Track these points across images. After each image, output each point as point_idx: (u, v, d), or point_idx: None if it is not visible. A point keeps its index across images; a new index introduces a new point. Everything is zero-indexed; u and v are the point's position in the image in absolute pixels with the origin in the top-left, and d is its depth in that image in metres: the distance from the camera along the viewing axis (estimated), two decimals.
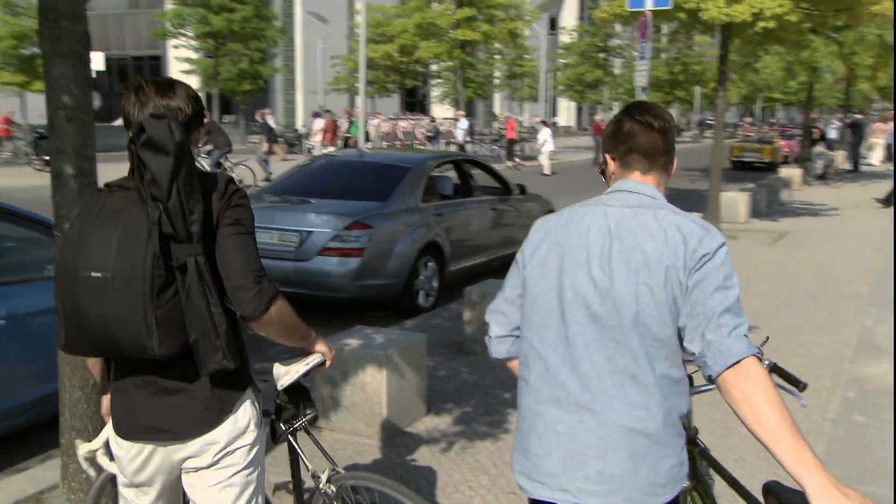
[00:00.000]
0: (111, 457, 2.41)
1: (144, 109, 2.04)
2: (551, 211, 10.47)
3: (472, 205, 9.15)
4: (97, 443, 2.53)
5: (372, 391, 4.74)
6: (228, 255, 2.03)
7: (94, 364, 2.34)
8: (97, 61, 25.17)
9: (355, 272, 7.36)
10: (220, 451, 2.17)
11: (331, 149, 23.41)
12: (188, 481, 2.23)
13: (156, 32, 32.13)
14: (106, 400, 2.42)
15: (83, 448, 2.55)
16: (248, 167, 19.05)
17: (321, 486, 2.63)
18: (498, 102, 62.55)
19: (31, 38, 30.24)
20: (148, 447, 2.16)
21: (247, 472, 2.24)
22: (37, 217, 4.92)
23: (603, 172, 2.18)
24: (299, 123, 41.61)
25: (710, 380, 1.81)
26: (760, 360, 1.80)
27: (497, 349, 2.19)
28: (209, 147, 18.48)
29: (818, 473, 1.63)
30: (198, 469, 2.19)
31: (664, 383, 1.88)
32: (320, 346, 2.41)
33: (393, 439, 4.70)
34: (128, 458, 2.19)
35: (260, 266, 2.06)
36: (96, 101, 25.01)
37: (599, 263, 1.92)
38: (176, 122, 1.96)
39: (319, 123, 25.07)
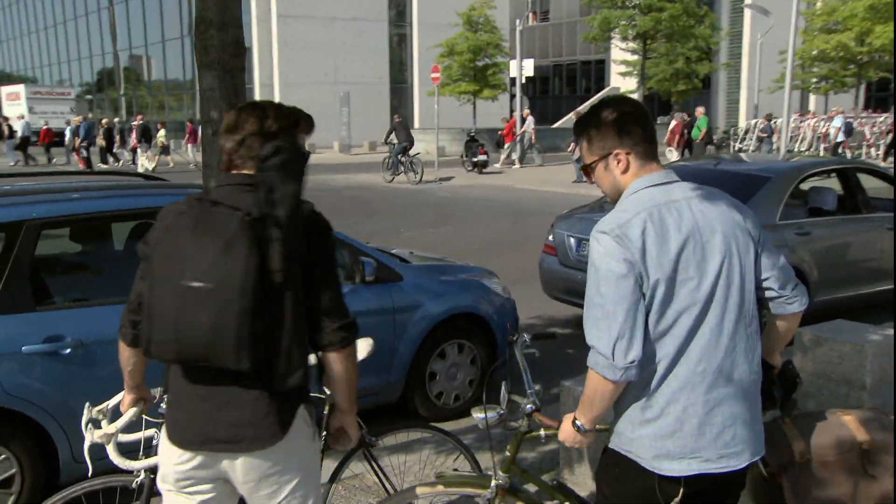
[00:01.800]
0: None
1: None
2: None
3: (857, 223, 7.43)
4: (114, 427, 2.59)
5: None
6: (323, 283, 2.19)
7: (134, 363, 2.51)
8: (527, 68, 26.63)
9: None
10: (277, 464, 2.22)
11: (674, 153, 21.68)
12: (245, 493, 2.29)
13: (587, 37, 32.93)
14: (129, 397, 2.63)
15: (106, 429, 2.59)
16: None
17: None
18: None
19: (485, 50, 33.35)
20: (201, 457, 2.22)
21: (302, 485, 2.30)
22: None
23: (587, 173, 2.26)
24: (741, 124, 39.24)
25: (783, 313, 2.28)
26: None
27: (630, 374, 2.08)
28: (394, 140, 22.19)
29: None
30: (255, 481, 2.24)
31: (756, 342, 2.21)
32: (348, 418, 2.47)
33: None
34: (179, 465, 2.24)
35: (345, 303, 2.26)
36: (525, 106, 26.55)
37: (706, 255, 2.11)
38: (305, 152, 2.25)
39: (672, 125, 23.19)
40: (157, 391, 2.77)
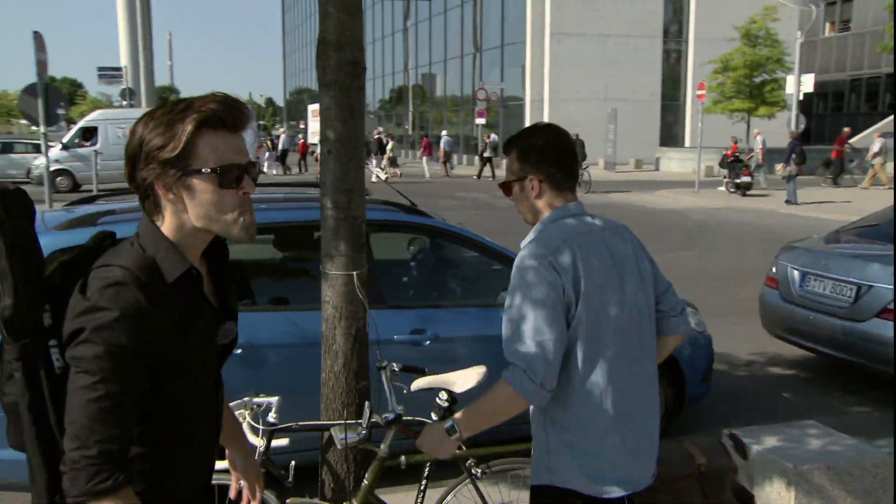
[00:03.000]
0: None
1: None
2: None
3: None
4: None
5: None
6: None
7: None
8: (807, 83, 24.35)
9: None
10: None
11: None
12: None
13: (882, 47, 29.35)
14: None
15: None
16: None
17: None
18: None
19: (763, 65, 31.14)
20: None
21: None
22: (492, 245, 5.01)
23: (505, 190, 2.34)
24: None
25: (671, 333, 2.41)
26: None
27: (545, 398, 2.13)
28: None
29: None
30: None
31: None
32: None
33: None
34: None
35: (93, 435, 1.46)
36: (801, 124, 24.31)
37: (622, 285, 2.21)
38: None
39: None
40: (270, 400, 2.94)
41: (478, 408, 2.21)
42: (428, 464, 3.07)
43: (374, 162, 30.31)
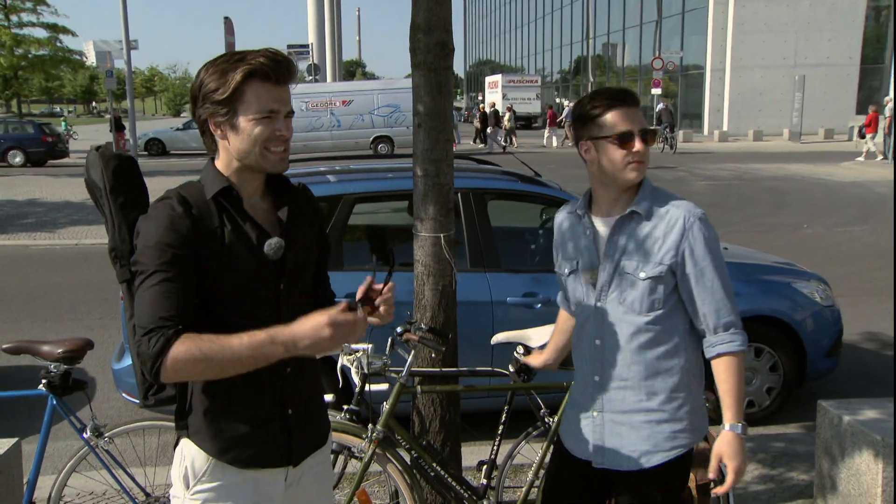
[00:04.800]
0: None
1: None
2: None
3: None
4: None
5: (866, 486, 3.54)
6: None
7: None
8: None
9: None
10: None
11: None
12: None
13: None
14: None
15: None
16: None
17: None
18: None
19: None
20: None
21: None
22: None
23: (649, 139, 2.19)
24: None
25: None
26: None
27: None
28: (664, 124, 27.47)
29: None
30: None
31: None
32: (307, 331, 1.72)
33: None
34: None
35: (148, 317, 1.72)
36: None
37: None
38: (102, 155, 2.01)
39: None
40: (364, 346, 3.15)
41: (734, 391, 2.16)
42: (504, 415, 3.34)
43: (495, 133, 31.12)
